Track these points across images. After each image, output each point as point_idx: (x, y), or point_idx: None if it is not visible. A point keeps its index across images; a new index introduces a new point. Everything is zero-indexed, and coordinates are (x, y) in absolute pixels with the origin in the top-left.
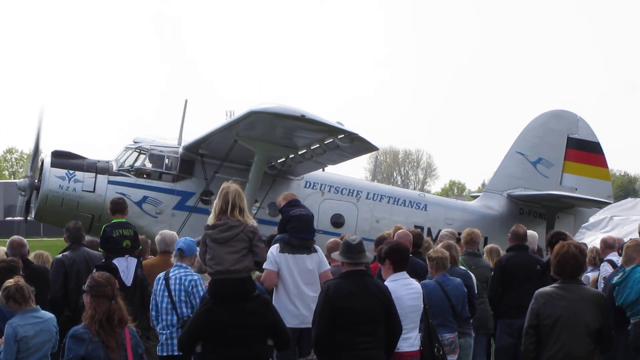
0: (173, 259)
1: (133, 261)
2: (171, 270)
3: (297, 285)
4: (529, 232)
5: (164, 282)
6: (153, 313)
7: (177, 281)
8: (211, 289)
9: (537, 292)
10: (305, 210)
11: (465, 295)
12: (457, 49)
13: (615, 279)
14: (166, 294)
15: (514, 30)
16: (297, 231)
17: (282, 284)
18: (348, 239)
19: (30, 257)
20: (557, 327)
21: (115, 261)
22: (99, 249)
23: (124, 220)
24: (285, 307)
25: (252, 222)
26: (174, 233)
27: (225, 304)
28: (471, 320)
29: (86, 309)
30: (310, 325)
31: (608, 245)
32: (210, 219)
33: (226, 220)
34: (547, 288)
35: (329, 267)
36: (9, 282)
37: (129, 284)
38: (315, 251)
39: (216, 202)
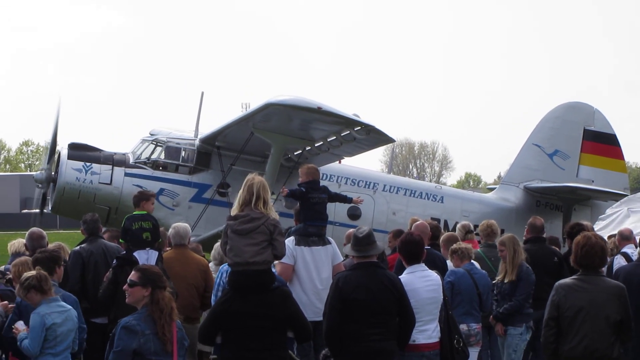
0: None
1: (154, 254)
2: None
3: (312, 278)
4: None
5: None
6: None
7: None
8: (230, 280)
9: (557, 283)
10: (319, 198)
11: (490, 286)
12: (474, 40)
13: None
14: None
15: (532, 21)
16: (310, 220)
17: (297, 277)
18: (356, 231)
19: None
20: (578, 318)
21: (135, 254)
22: (120, 240)
23: (145, 212)
24: (299, 300)
25: (275, 215)
26: (187, 225)
27: (244, 295)
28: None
29: (142, 300)
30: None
31: (624, 237)
32: (234, 210)
33: (249, 211)
34: (568, 280)
35: (342, 259)
36: (29, 273)
37: None
38: (330, 243)
39: (240, 194)
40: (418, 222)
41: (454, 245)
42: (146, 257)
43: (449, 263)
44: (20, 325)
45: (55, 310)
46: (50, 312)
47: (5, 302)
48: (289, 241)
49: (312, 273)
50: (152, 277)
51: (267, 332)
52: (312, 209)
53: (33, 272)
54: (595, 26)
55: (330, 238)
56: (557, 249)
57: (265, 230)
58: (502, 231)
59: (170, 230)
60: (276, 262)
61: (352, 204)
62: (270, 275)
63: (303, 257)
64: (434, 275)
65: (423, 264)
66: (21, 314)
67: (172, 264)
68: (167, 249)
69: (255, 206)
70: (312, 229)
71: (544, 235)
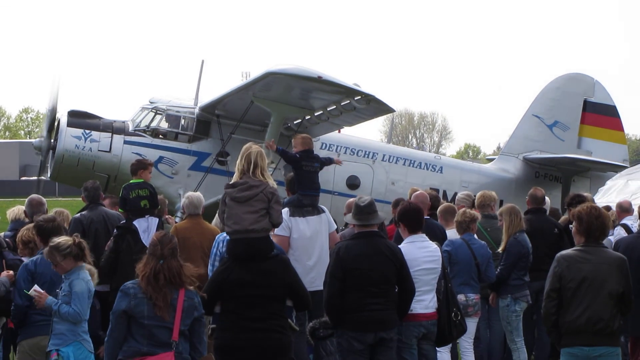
0: None
1: (154, 221)
2: None
3: (307, 248)
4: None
5: None
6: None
7: None
8: (229, 249)
9: (559, 254)
10: (312, 167)
11: (490, 257)
12: (474, 11)
13: None
14: None
15: None
16: (304, 189)
17: (293, 247)
18: (358, 200)
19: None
20: (580, 290)
21: (135, 222)
22: (119, 210)
23: (142, 180)
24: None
25: (273, 183)
26: (200, 195)
27: (243, 263)
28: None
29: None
30: (319, 288)
31: (624, 209)
32: (234, 179)
33: (247, 179)
34: (570, 251)
35: (335, 227)
36: (65, 239)
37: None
38: (323, 211)
39: (238, 162)
40: (417, 192)
41: (457, 216)
42: (146, 224)
43: (448, 233)
44: (39, 289)
45: (89, 278)
46: (88, 280)
47: (11, 272)
48: (284, 212)
49: (308, 243)
50: (150, 243)
51: (267, 301)
52: (305, 177)
53: (69, 238)
54: None
55: (323, 207)
56: (556, 219)
57: (264, 197)
58: (501, 202)
59: (183, 200)
60: (271, 233)
61: (351, 174)
62: (269, 242)
63: (298, 228)
64: (433, 246)
65: (423, 235)
66: (33, 280)
67: (189, 234)
68: (166, 216)
69: (254, 174)
70: (306, 200)
71: (545, 207)
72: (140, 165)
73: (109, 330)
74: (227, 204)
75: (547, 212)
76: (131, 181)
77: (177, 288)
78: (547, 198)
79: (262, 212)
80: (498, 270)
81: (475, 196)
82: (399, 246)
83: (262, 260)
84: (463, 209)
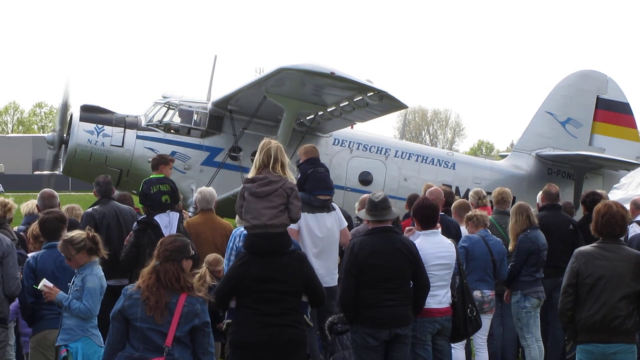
0: None
1: (175, 215)
2: None
3: (317, 245)
4: None
5: None
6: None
7: None
8: (247, 243)
9: (577, 250)
10: (322, 168)
11: (505, 254)
12: (489, 7)
13: None
14: None
15: None
16: (316, 189)
17: (302, 244)
18: (372, 196)
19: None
20: (598, 286)
21: (156, 217)
22: (139, 204)
23: (162, 175)
24: None
25: (292, 178)
26: (213, 190)
27: (261, 258)
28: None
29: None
30: (328, 285)
31: (638, 205)
32: (251, 174)
33: (267, 174)
34: (588, 247)
35: (346, 224)
36: (79, 233)
37: None
38: (334, 209)
39: (257, 157)
40: (432, 188)
41: (470, 213)
42: (168, 219)
43: (463, 229)
44: (49, 283)
45: (102, 274)
46: (101, 276)
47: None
48: None
49: (317, 239)
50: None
51: (284, 296)
52: (317, 178)
53: (83, 232)
54: None
55: (334, 204)
56: (570, 216)
57: (283, 193)
58: (514, 199)
59: (196, 194)
60: None
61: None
62: (287, 238)
63: (307, 223)
64: (447, 241)
65: (438, 230)
66: (36, 277)
67: (202, 229)
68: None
69: (273, 169)
70: (317, 202)
71: (559, 203)
72: (162, 161)
73: (107, 336)
74: (245, 198)
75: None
76: (151, 176)
77: (176, 292)
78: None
79: (281, 208)
80: (509, 267)
81: (485, 193)
82: (414, 241)
83: (280, 255)
84: (473, 211)
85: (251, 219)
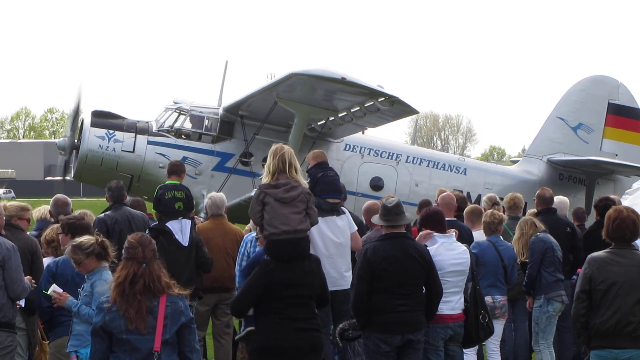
0: None
1: (187, 222)
2: None
3: (327, 248)
4: (561, 198)
5: None
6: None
7: None
8: (274, 249)
9: (590, 256)
10: (332, 172)
11: (515, 259)
12: (500, 13)
13: None
14: None
15: None
16: (326, 193)
17: (312, 247)
18: (385, 201)
19: None
20: (611, 292)
21: (168, 224)
22: (152, 210)
23: (178, 182)
24: None
25: (304, 183)
26: (223, 195)
27: (286, 264)
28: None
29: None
30: (339, 288)
31: None
32: (265, 179)
33: (286, 179)
34: (600, 253)
35: (356, 228)
36: (88, 238)
37: (185, 244)
38: (344, 212)
39: (271, 162)
40: (444, 194)
41: (484, 217)
42: (179, 226)
43: (475, 234)
44: (58, 289)
45: (111, 279)
46: (111, 280)
47: (29, 277)
48: None
49: (328, 243)
50: (125, 247)
51: (309, 300)
52: (326, 182)
53: (92, 237)
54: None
55: (344, 208)
56: (582, 221)
57: (304, 198)
58: (526, 204)
59: (206, 200)
60: None
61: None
62: (309, 242)
63: (317, 227)
64: (462, 247)
65: (453, 236)
66: (55, 281)
67: (212, 235)
68: (194, 216)
69: (290, 174)
70: (326, 205)
71: (564, 207)
72: (178, 170)
73: (90, 353)
74: (269, 204)
75: (566, 214)
76: (167, 182)
77: (156, 295)
78: (566, 200)
79: (304, 213)
80: (527, 271)
81: (497, 199)
82: (428, 247)
83: (302, 260)
84: (491, 210)
85: (280, 225)
